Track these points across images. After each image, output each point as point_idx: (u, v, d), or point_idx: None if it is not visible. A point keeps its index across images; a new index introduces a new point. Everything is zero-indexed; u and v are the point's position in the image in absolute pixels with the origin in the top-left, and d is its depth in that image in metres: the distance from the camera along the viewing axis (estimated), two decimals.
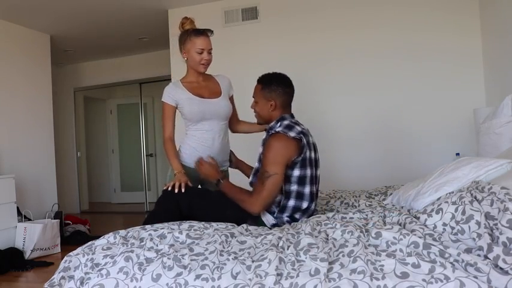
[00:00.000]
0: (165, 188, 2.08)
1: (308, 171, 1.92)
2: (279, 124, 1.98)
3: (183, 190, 2.01)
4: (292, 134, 1.88)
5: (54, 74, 5.37)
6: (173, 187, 2.03)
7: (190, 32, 2.23)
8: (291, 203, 1.93)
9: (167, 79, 4.67)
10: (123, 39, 5.44)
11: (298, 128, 1.93)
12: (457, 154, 3.38)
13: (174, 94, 2.27)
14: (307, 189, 1.93)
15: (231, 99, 2.43)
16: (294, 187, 1.92)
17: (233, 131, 2.51)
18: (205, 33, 2.23)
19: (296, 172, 1.90)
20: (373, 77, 3.79)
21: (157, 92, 7.26)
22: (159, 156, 7.37)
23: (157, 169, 7.35)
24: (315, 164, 1.99)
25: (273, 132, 1.94)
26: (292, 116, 2.06)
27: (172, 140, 2.28)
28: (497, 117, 2.47)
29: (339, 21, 3.89)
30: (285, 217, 1.94)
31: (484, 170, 1.74)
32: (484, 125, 2.61)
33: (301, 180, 1.91)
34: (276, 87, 2.01)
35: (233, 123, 2.48)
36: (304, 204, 1.93)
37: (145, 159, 6.86)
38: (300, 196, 1.93)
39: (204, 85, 2.32)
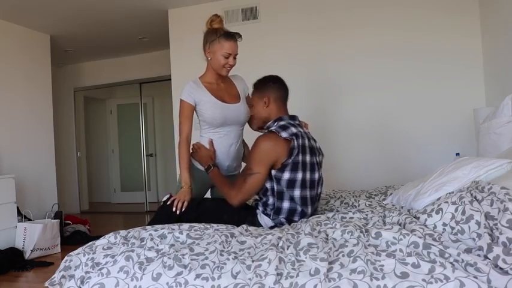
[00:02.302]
0: (167, 202, 2.07)
1: (299, 175, 1.88)
2: (275, 124, 1.97)
3: (183, 209, 2.00)
4: (284, 134, 1.86)
5: (54, 74, 5.37)
6: (174, 204, 2.03)
7: (221, 34, 2.17)
8: (286, 205, 1.90)
9: (167, 79, 4.68)
10: (123, 39, 5.44)
11: (293, 130, 1.90)
12: (457, 154, 3.38)
13: (195, 94, 2.18)
14: (297, 193, 1.89)
15: (248, 97, 2.37)
16: (284, 189, 1.90)
17: (254, 129, 2.42)
18: (234, 37, 2.19)
19: (286, 175, 1.87)
20: (372, 77, 3.79)
21: (157, 92, 7.31)
22: (159, 156, 7.38)
23: (157, 169, 7.35)
24: (311, 168, 1.95)
25: (267, 131, 1.93)
26: (292, 118, 2.01)
27: (188, 142, 2.19)
28: (497, 117, 2.47)
29: (338, 22, 3.90)
30: (282, 218, 1.93)
31: (484, 170, 1.74)
32: (484, 125, 2.61)
33: (290, 184, 1.88)
34: (268, 82, 2.02)
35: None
36: (299, 208, 1.91)
37: (145, 159, 6.86)
38: (292, 199, 1.90)
39: (224, 87, 2.27)
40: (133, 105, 7.08)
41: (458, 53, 3.58)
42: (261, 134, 1.96)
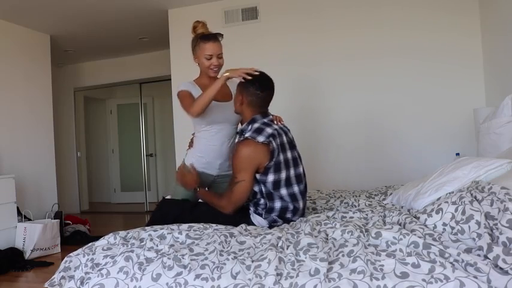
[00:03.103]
0: (161, 204, 2.10)
1: (283, 174, 1.91)
2: (249, 127, 1.96)
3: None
4: (260, 138, 1.86)
5: (54, 74, 5.37)
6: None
7: (200, 37, 2.22)
8: (277, 204, 1.92)
9: (167, 79, 4.68)
10: (123, 39, 5.44)
11: (269, 131, 1.90)
12: (457, 154, 3.38)
13: (190, 88, 2.24)
14: (284, 192, 1.91)
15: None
16: (271, 191, 1.91)
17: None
18: (213, 38, 2.20)
19: (270, 177, 1.89)
20: (372, 77, 3.79)
21: (157, 92, 7.31)
22: (159, 156, 7.38)
23: (157, 169, 7.35)
24: (293, 163, 1.97)
25: (242, 138, 1.93)
26: (265, 115, 2.00)
27: None
28: (497, 117, 2.47)
29: (338, 21, 3.89)
30: (274, 216, 1.94)
31: (484, 170, 1.74)
32: (484, 125, 2.61)
33: (276, 185, 1.90)
34: (248, 85, 1.98)
35: None
36: (290, 205, 1.92)
37: (145, 159, 6.86)
38: (282, 198, 1.92)
39: None
40: (133, 105, 7.07)
41: (458, 52, 3.58)
42: (239, 140, 1.96)
